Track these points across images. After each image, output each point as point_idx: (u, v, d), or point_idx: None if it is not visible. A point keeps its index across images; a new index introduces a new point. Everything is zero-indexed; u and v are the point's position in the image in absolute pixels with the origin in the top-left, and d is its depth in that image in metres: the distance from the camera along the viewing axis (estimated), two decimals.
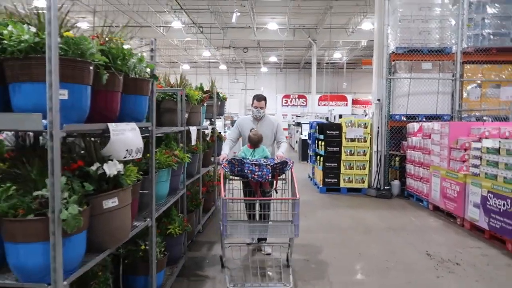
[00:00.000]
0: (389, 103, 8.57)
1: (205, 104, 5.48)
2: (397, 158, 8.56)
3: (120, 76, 2.33)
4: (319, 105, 25.81)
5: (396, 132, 8.65)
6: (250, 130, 4.39)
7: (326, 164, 8.44)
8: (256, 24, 18.99)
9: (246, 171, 3.80)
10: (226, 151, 4.56)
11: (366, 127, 8.38)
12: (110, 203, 2.13)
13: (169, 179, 3.51)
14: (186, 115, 4.41)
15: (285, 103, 27.93)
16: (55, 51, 1.69)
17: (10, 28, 1.75)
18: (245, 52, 24.32)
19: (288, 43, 22.70)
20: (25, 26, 1.79)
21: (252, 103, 4.80)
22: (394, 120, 8.55)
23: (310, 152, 10.23)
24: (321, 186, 8.60)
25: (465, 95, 8.54)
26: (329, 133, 8.43)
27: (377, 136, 8.41)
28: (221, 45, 23.63)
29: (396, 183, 8.28)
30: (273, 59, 27.08)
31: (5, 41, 1.73)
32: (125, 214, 2.28)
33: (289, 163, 3.91)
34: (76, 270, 1.89)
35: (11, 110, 1.90)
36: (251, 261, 4.39)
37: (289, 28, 19.69)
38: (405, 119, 8.52)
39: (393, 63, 8.64)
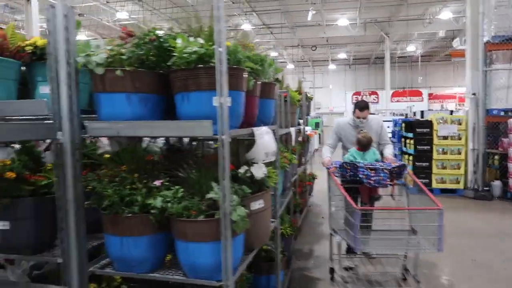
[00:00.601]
0: (485, 97, 7.92)
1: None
2: (496, 157, 7.90)
3: (259, 81, 2.40)
4: (391, 101, 24.78)
5: (493, 128, 7.99)
6: (358, 132, 4.15)
7: (417, 163, 8.05)
8: (326, 21, 18.72)
9: (360, 176, 3.59)
10: (329, 155, 4.29)
11: (460, 124, 7.85)
12: (257, 204, 2.20)
13: (282, 180, 3.56)
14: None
15: (355, 100, 27.17)
16: (224, 60, 1.77)
17: (179, 41, 1.86)
18: (313, 50, 24.09)
19: (358, 38, 22.07)
20: (191, 38, 1.90)
21: (354, 111, 4.45)
22: (491, 115, 7.90)
23: (396, 151, 9.81)
24: (411, 186, 8.20)
25: None
26: (418, 130, 8.02)
27: (473, 133, 7.83)
28: (289, 45, 23.64)
29: (497, 183, 7.63)
30: (341, 55, 26.53)
31: (176, 54, 1.85)
32: (268, 216, 2.34)
33: (406, 166, 3.70)
34: (238, 269, 1.98)
35: (171, 118, 2.04)
36: (363, 274, 4.13)
37: (360, 23, 19.15)
38: (503, 114, 7.84)
39: (488, 53, 7.98)
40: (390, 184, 3.71)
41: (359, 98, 27.34)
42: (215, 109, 1.82)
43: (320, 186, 7.98)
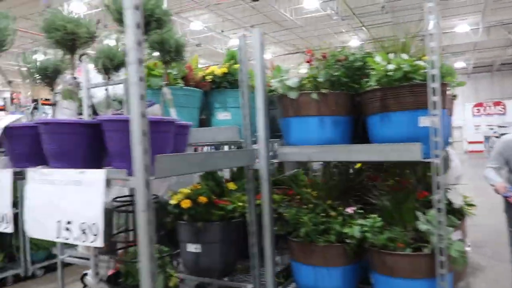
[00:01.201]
0: None
1: None
2: None
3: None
4: None
5: None
6: None
7: None
8: (441, 29, 17.38)
9: None
10: (500, 179, 3.49)
11: None
12: (456, 236, 1.93)
13: None
14: None
15: (476, 112, 24.53)
16: (438, 76, 1.59)
17: (378, 59, 1.74)
18: None
19: (479, 44, 20.02)
20: (390, 55, 1.76)
21: None
22: None
23: None
24: None
25: None
26: None
27: None
28: None
29: None
30: (459, 64, 24.28)
31: (375, 72, 1.73)
32: None
33: None
34: None
35: (358, 140, 1.92)
36: None
37: (483, 27, 17.34)
38: None
39: None
40: None
41: (481, 109, 24.63)
42: (420, 130, 1.65)
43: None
